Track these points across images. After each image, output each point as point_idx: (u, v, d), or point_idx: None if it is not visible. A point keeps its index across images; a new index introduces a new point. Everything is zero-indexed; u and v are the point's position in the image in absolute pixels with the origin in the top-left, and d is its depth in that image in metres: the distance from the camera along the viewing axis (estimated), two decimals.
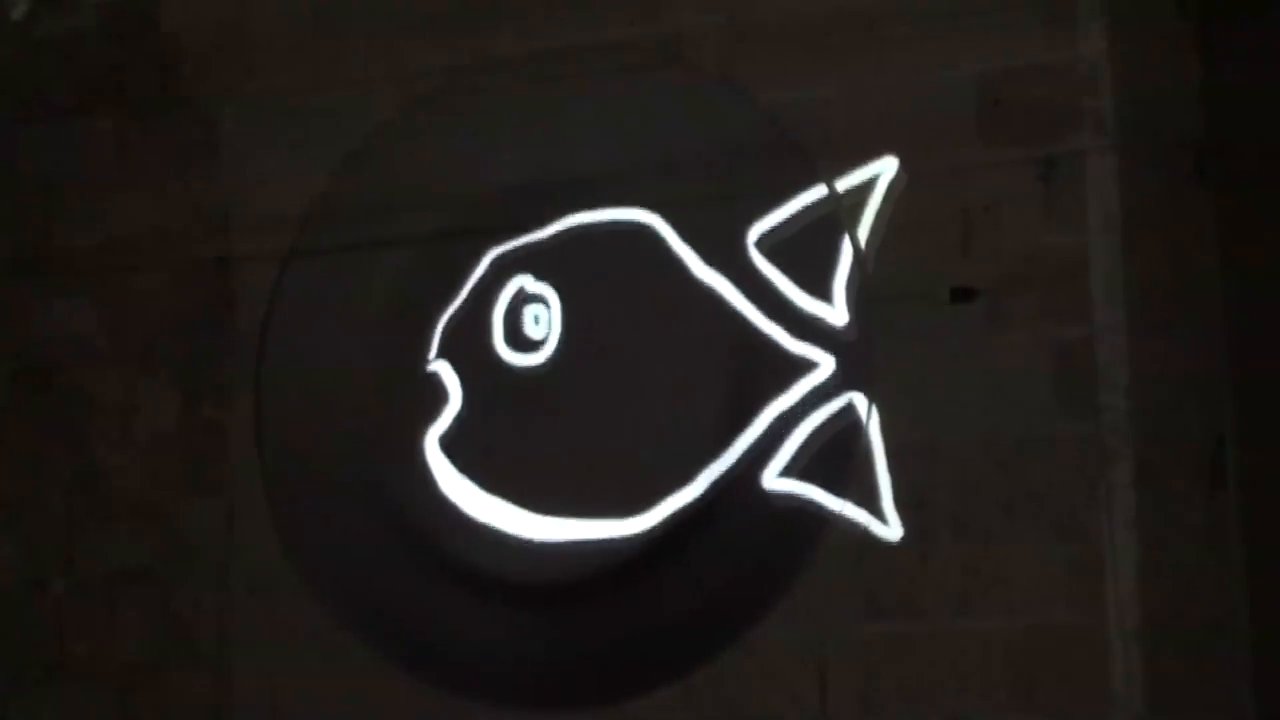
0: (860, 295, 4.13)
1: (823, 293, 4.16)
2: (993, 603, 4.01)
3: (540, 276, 4.34)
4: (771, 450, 4.15)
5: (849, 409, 4.11)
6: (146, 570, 4.64)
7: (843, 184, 4.16)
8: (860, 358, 4.12)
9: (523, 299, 4.35)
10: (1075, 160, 4.05)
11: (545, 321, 4.32)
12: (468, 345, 4.37)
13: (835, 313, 4.16)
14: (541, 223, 4.36)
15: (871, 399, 4.10)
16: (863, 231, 4.14)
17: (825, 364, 4.14)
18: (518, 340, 4.34)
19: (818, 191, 4.18)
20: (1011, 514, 4.01)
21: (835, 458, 4.11)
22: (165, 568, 4.63)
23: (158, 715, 4.60)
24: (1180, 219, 4.26)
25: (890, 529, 4.07)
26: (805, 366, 4.15)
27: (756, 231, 4.20)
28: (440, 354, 4.39)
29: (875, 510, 4.07)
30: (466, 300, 4.38)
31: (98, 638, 4.66)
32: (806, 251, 4.18)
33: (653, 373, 4.24)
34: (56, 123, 4.85)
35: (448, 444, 4.36)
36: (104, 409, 4.73)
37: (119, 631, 4.65)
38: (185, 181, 4.73)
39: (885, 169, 4.14)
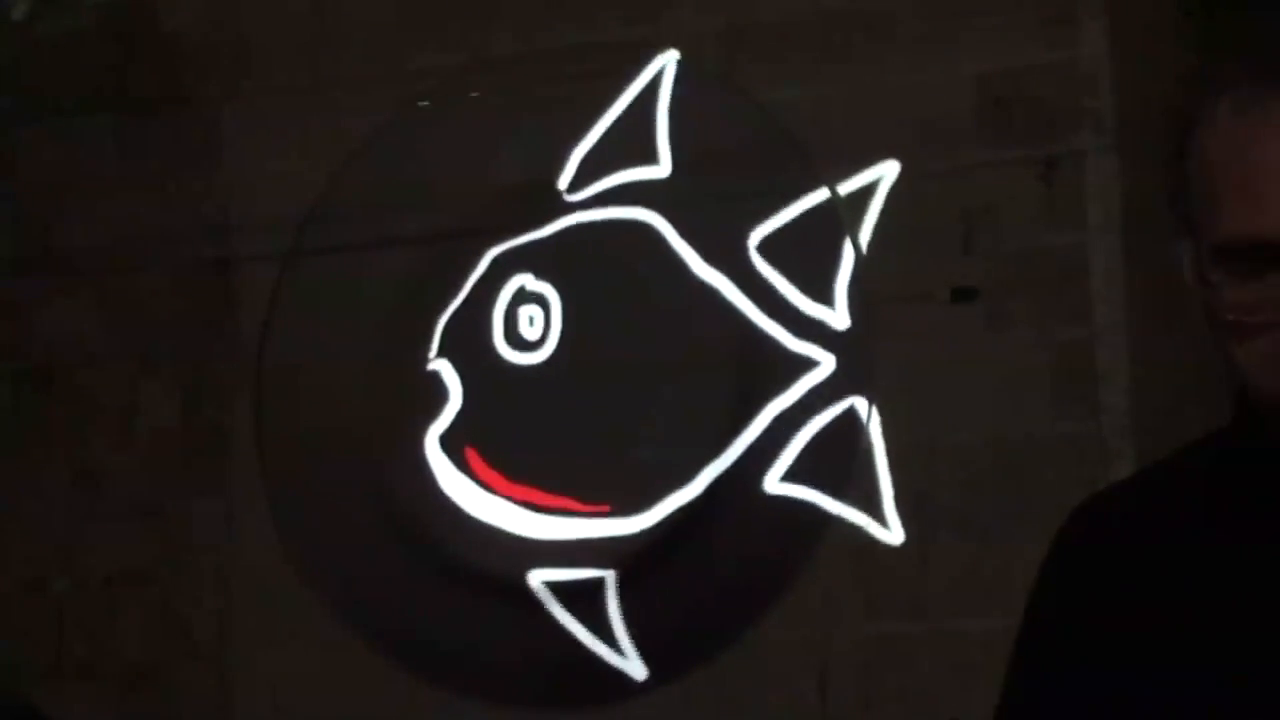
0: (862, 300, 4.13)
1: (824, 297, 4.16)
2: (993, 603, 4.00)
3: (540, 275, 4.34)
4: (772, 451, 4.14)
5: (850, 412, 4.11)
6: (146, 570, 4.64)
7: (844, 188, 4.15)
8: (860, 359, 4.12)
9: (521, 298, 4.34)
10: (1075, 160, 4.04)
11: (540, 322, 4.32)
12: (468, 344, 4.36)
13: (836, 316, 4.15)
14: (542, 222, 4.36)
15: (872, 400, 4.10)
16: (864, 236, 4.14)
17: (826, 362, 4.14)
18: (518, 339, 4.34)
19: (819, 195, 4.17)
20: (1011, 514, 4.01)
21: (836, 462, 4.10)
22: (165, 568, 4.62)
23: (158, 715, 4.59)
24: None
25: (891, 533, 4.07)
26: (806, 365, 4.15)
27: (758, 235, 4.20)
28: (441, 353, 4.38)
29: (876, 514, 4.07)
30: (467, 299, 4.38)
31: (98, 638, 4.66)
32: (808, 256, 4.17)
33: (653, 371, 4.23)
34: (56, 123, 4.84)
35: (448, 442, 4.35)
36: (104, 409, 4.73)
37: (119, 631, 4.65)
38: (185, 181, 4.73)
39: (887, 173, 4.13)
